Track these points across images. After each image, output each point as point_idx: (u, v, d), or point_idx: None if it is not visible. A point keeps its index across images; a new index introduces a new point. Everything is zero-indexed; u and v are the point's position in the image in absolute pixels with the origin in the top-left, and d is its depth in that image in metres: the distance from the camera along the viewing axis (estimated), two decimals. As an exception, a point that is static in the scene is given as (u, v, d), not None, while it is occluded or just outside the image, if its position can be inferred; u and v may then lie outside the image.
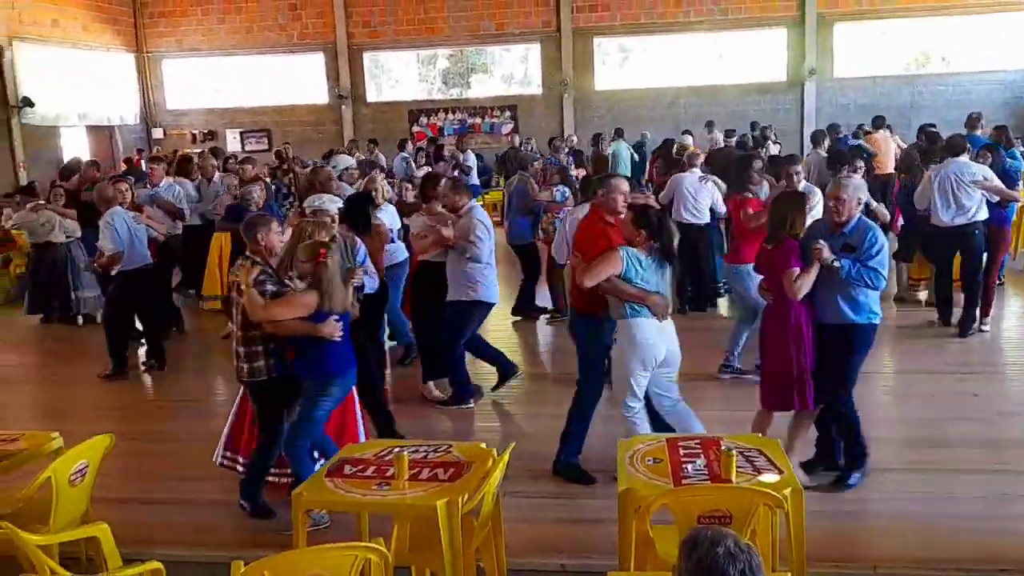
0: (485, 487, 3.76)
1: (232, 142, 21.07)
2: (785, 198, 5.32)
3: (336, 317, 4.66)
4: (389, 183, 9.67)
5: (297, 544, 3.60)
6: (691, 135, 15.04)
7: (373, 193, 7.58)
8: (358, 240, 5.95)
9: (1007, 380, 7.27)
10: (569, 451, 5.33)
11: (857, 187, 4.96)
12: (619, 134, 16.66)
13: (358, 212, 6.38)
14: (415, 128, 20.98)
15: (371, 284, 5.79)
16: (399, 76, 22.21)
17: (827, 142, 11.75)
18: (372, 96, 21.46)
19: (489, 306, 6.70)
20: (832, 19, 19.56)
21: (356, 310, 5.03)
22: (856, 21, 19.71)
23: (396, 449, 3.97)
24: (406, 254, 7.60)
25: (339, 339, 4.68)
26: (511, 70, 22.00)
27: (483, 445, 4.20)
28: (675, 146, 13.01)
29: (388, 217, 7.53)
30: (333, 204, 6.25)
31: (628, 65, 21.65)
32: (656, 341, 4.92)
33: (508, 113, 20.94)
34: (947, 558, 4.29)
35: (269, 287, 4.72)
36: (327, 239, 4.90)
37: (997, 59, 19.54)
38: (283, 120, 21.30)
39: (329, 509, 4.00)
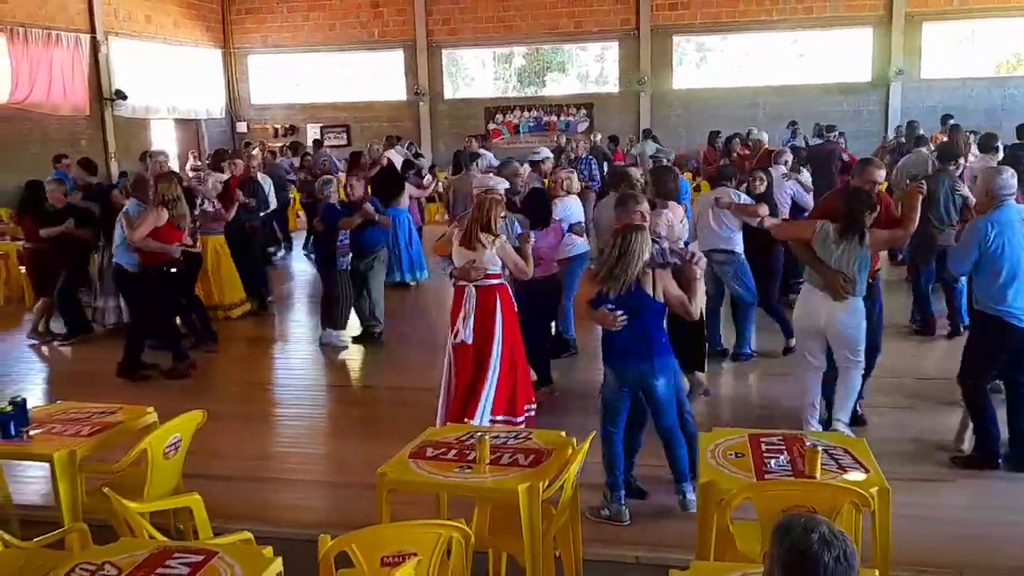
0: (565, 475, 3.80)
1: (312, 136, 21.51)
2: None
3: (611, 305, 4.62)
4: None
5: (381, 520, 3.68)
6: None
7: (554, 186, 7.81)
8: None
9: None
10: None
11: None
12: (646, 134, 16.57)
13: (535, 207, 6.79)
14: (491, 125, 21.11)
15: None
16: (475, 73, 22.38)
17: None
18: (448, 93, 21.68)
19: None
20: (920, 18, 19.02)
21: None
22: (946, 21, 19.14)
23: (478, 434, 4.03)
24: (587, 247, 7.62)
25: (616, 328, 4.62)
26: (587, 68, 21.96)
27: (563, 434, 4.23)
28: (746, 141, 12.84)
29: (565, 210, 7.47)
30: (501, 185, 6.40)
31: (706, 64, 21.42)
32: (811, 309, 5.43)
33: (584, 111, 20.91)
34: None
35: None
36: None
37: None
38: (362, 116, 21.67)
39: (412, 491, 4.05)
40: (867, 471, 3.64)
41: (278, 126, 22.09)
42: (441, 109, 21.45)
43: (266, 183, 11.46)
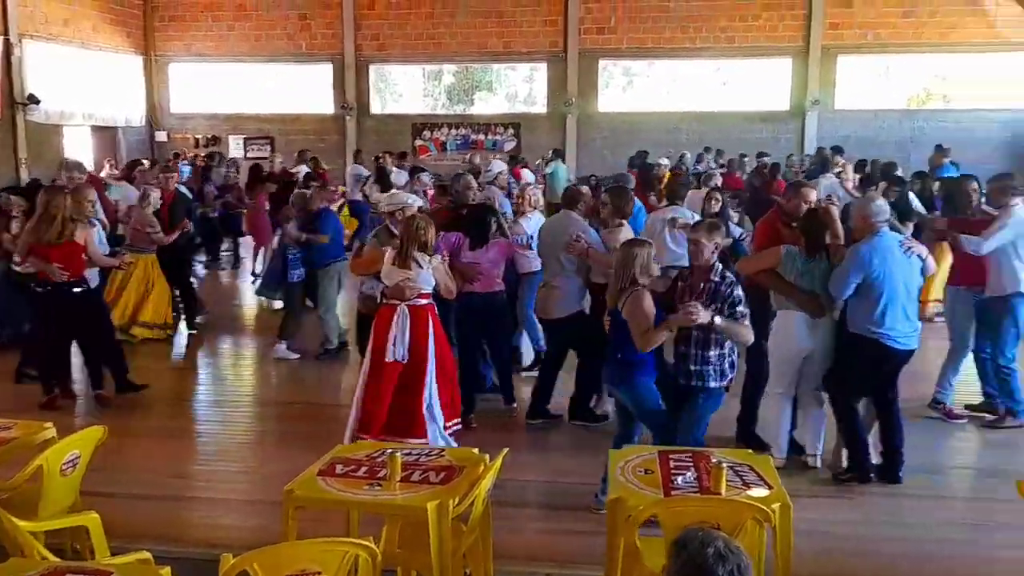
0: (475, 492, 3.78)
1: (235, 148, 21.16)
2: None
3: None
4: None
5: (287, 539, 3.60)
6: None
7: (521, 200, 7.97)
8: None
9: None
10: None
11: None
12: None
13: (474, 221, 6.72)
14: (418, 142, 21.09)
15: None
16: (404, 90, 22.35)
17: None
18: (376, 108, 21.58)
19: None
20: (836, 51, 19.73)
21: None
22: (860, 54, 19.89)
23: (389, 450, 3.99)
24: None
25: None
26: (516, 88, 22.16)
27: (476, 451, 4.22)
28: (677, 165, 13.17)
29: (532, 225, 7.48)
30: (414, 202, 6.49)
31: (632, 88, 21.84)
32: (792, 334, 5.43)
33: (511, 131, 21.06)
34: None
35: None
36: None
37: (998, 98, 19.70)
38: (287, 128, 21.38)
39: (320, 508, 3.98)
40: (770, 487, 3.72)
41: (199, 136, 21.64)
42: (368, 124, 21.33)
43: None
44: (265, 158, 18.14)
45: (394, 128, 21.25)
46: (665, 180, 10.88)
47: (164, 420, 7.03)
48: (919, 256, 5.30)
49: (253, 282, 12.18)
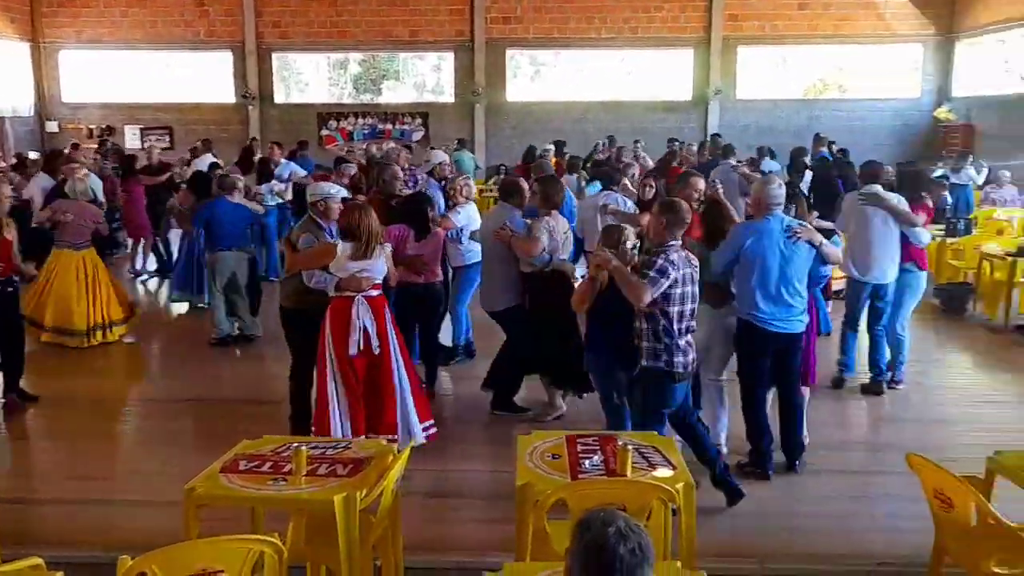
0: (384, 483, 3.75)
1: (132, 138, 20.38)
2: None
3: None
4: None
5: (188, 538, 3.50)
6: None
7: (453, 192, 7.85)
8: None
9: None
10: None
11: None
12: (462, 144, 17.10)
13: (416, 212, 6.64)
14: (324, 132, 20.72)
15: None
16: (309, 79, 21.91)
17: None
18: (280, 97, 21.11)
19: None
20: (736, 42, 20.22)
21: None
22: (758, 45, 20.43)
23: (294, 445, 3.92)
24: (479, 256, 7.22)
25: None
26: (423, 77, 21.99)
27: (384, 441, 4.19)
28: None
29: (464, 217, 7.40)
30: (338, 192, 6.30)
31: (540, 78, 21.95)
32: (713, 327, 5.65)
33: (419, 120, 20.89)
34: (829, 554, 4.49)
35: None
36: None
37: (889, 88, 20.56)
38: (186, 118, 20.70)
39: (223, 505, 3.88)
40: (674, 468, 3.80)
41: (93, 126, 20.74)
42: (272, 113, 20.83)
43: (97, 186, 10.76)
44: (167, 148, 17.65)
45: (299, 118, 20.81)
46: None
47: (60, 422, 6.74)
48: (809, 243, 5.27)
49: (132, 278, 11.86)
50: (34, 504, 5.19)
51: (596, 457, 3.87)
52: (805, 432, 5.66)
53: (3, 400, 6.87)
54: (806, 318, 5.41)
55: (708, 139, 16.04)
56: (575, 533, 2.20)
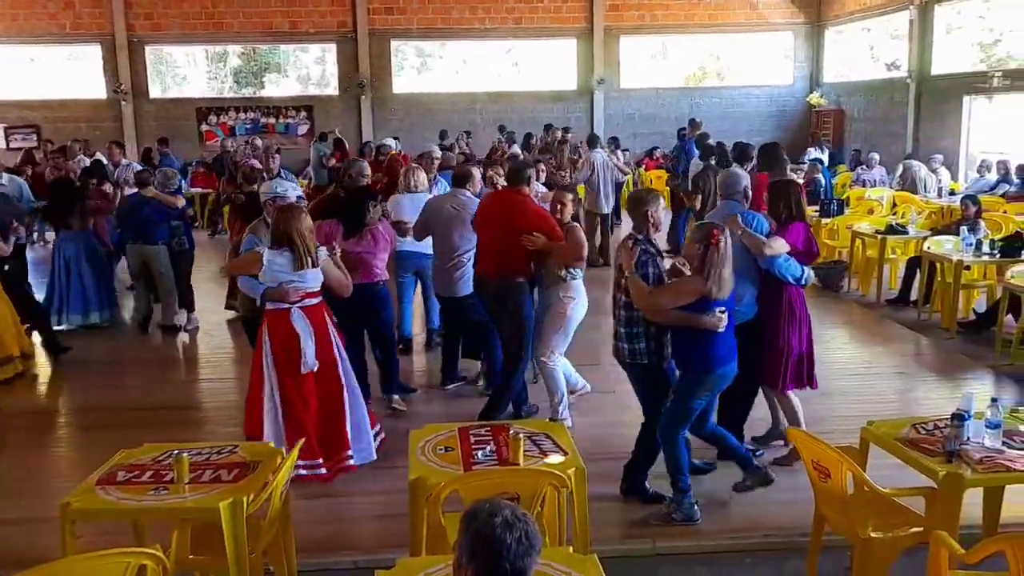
0: (271, 486, 3.65)
1: (-5, 138, 19.27)
2: None
3: (721, 307, 4.40)
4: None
5: (65, 555, 3.33)
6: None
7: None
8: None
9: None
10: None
11: None
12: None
13: (347, 208, 6.23)
14: (203, 127, 20.05)
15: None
16: (187, 72, 21.15)
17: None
18: (156, 92, 20.30)
19: None
20: (618, 32, 20.57)
21: None
22: (640, 35, 20.85)
23: (176, 452, 3.77)
24: (417, 247, 7.24)
25: (723, 330, 4.43)
26: (308, 70, 21.55)
27: (271, 444, 4.08)
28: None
29: (396, 207, 7.30)
30: (292, 192, 6.01)
31: (427, 69, 21.82)
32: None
33: (304, 114, 20.46)
34: (718, 529, 4.62)
35: (651, 270, 4.54)
36: None
37: (764, 75, 21.33)
38: (55, 116, 19.64)
39: (101, 519, 3.71)
40: (566, 454, 3.84)
41: (-49, 126, 19.52)
42: (147, 109, 20.00)
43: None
44: (34, 148, 16.71)
45: (176, 113, 20.07)
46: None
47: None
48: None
49: None
50: None
51: (488, 447, 3.87)
52: None
53: None
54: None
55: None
56: (462, 525, 2.20)
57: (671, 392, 4.60)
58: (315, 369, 5.11)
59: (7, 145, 18.61)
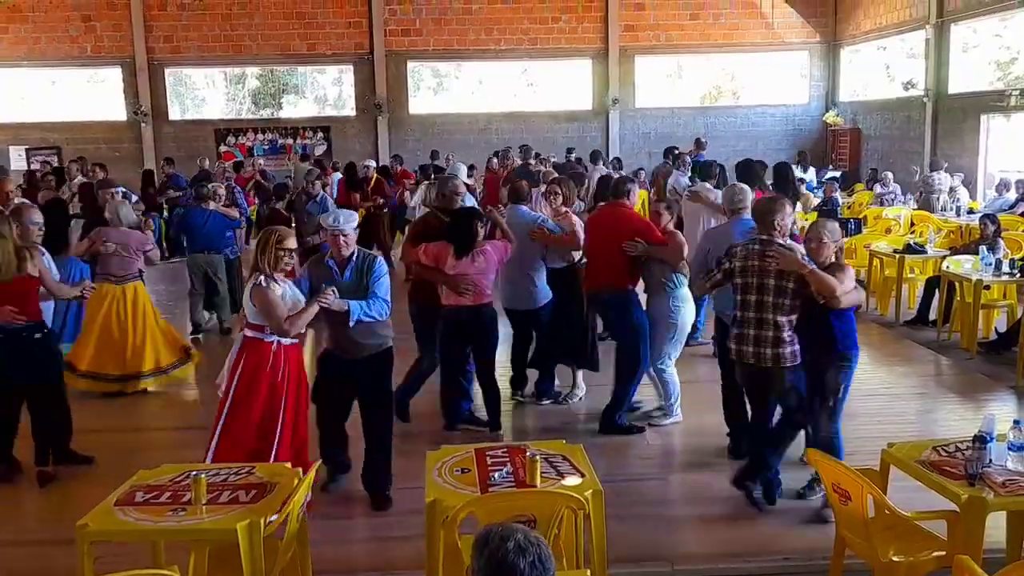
0: (289, 507, 3.65)
1: (17, 159, 19.48)
2: None
3: None
4: None
5: (81, 578, 3.35)
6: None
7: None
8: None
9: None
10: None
11: None
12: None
13: (457, 228, 6.06)
14: (222, 148, 20.24)
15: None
16: (205, 94, 21.39)
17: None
18: (175, 114, 20.54)
19: None
20: (633, 52, 20.65)
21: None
22: (655, 55, 20.92)
23: (193, 473, 3.78)
24: None
25: None
26: (325, 91, 21.74)
27: (288, 465, 4.09)
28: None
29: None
30: (350, 223, 5.21)
31: (443, 90, 21.98)
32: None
33: (321, 134, 20.63)
34: (737, 552, 4.58)
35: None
36: None
37: (779, 94, 21.34)
38: (76, 137, 19.90)
39: (120, 541, 3.72)
40: (583, 475, 3.82)
41: (-26, 148, 19.78)
42: (167, 131, 20.23)
43: None
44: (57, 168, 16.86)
45: (195, 134, 20.29)
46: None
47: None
48: None
49: None
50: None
51: (505, 469, 3.85)
52: None
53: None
54: None
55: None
56: (475, 550, 2.18)
57: (830, 390, 4.83)
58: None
59: (28, 166, 18.81)
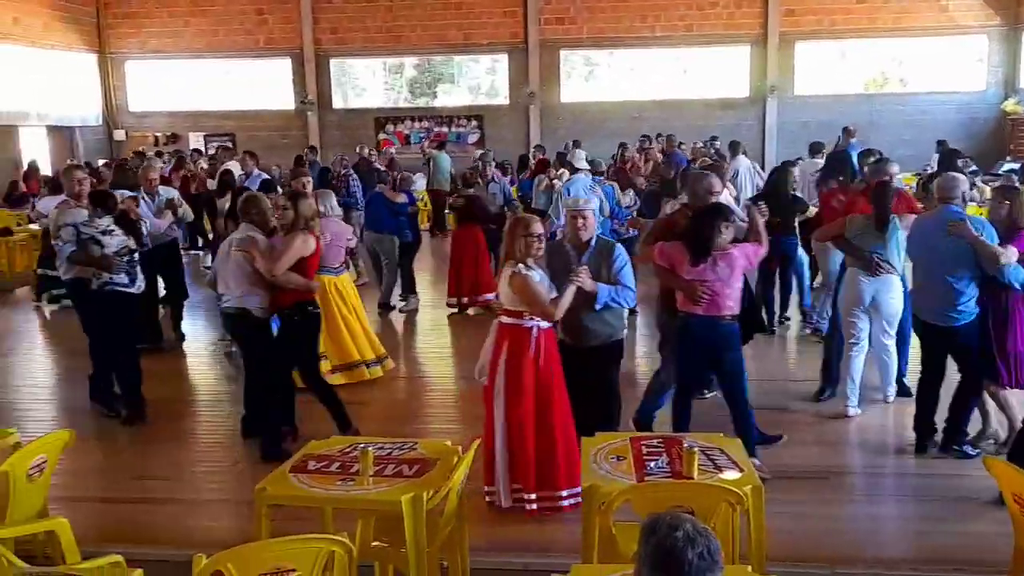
0: (450, 484, 3.78)
1: (196, 145, 20.90)
2: None
3: None
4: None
5: (260, 537, 3.58)
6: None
7: None
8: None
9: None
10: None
11: None
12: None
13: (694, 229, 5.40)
14: (381, 135, 20.98)
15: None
16: (366, 84, 22.21)
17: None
18: (338, 103, 21.43)
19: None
20: (794, 38, 19.93)
21: None
22: (817, 40, 20.11)
23: (361, 445, 3.97)
24: None
25: None
26: (478, 80, 22.12)
27: (448, 443, 4.22)
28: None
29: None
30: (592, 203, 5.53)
31: (594, 78, 21.91)
32: (858, 289, 6.13)
33: (475, 123, 21.03)
34: (902, 559, 4.39)
35: None
36: None
37: (952, 81, 20.07)
38: (248, 125, 21.16)
39: (293, 505, 3.96)
40: (742, 470, 3.76)
41: (159, 134, 21.34)
42: (330, 119, 21.17)
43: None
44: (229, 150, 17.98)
45: (356, 123, 21.13)
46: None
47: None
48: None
49: None
50: (103, 503, 5.32)
51: (661, 459, 3.85)
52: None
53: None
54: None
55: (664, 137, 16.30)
56: (642, 537, 2.17)
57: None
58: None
59: (205, 151, 20.13)
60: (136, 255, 6.71)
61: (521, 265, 4.78)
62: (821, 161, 11.22)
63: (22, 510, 4.04)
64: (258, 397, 6.07)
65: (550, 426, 4.84)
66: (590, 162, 10.60)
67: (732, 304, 5.22)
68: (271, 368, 5.95)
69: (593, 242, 5.16)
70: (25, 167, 17.57)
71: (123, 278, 6.53)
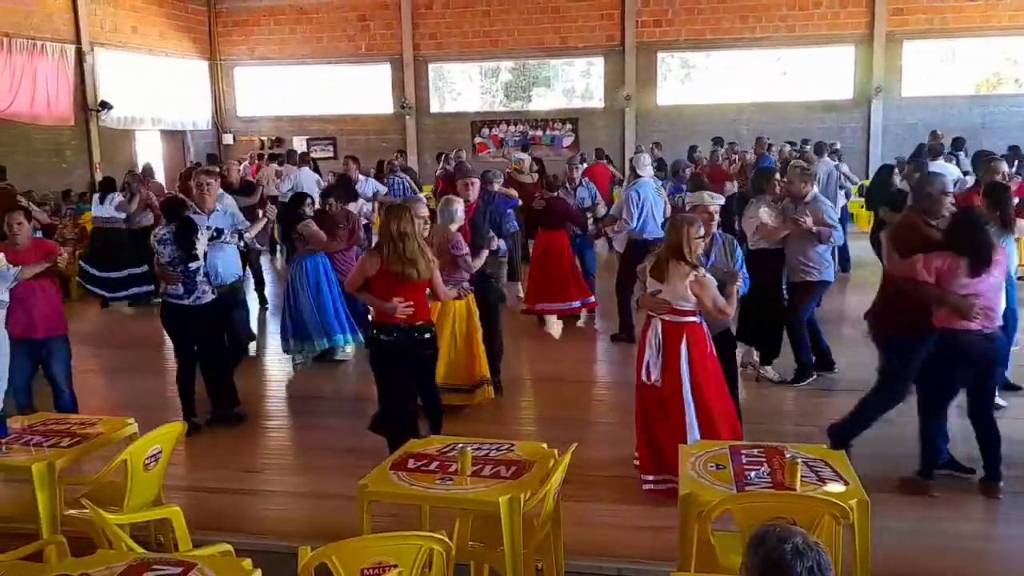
0: (546, 487, 3.80)
1: (299, 149, 21.48)
2: None
3: None
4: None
5: (362, 532, 3.67)
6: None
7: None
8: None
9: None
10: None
11: None
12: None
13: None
14: (477, 139, 21.19)
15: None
16: (462, 88, 22.46)
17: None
18: (435, 107, 21.75)
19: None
20: (902, 37, 19.24)
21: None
22: (926, 40, 19.36)
23: (459, 445, 4.04)
24: None
25: None
26: (573, 83, 22.10)
27: (544, 446, 4.24)
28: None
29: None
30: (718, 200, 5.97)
31: (690, 80, 21.60)
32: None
33: (569, 126, 21.02)
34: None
35: None
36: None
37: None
38: (349, 128, 21.69)
39: (393, 502, 4.05)
40: (847, 483, 3.66)
41: (264, 138, 22.07)
42: (427, 123, 21.50)
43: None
44: (331, 158, 18.52)
45: (452, 126, 21.39)
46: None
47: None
48: None
49: None
50: (210, 493, 5.53)
51: (763, 469, 3.78)
52: None
53: None
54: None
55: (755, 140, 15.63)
56: (749, 548, 2.15)
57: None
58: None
59: (309, 154, 20.66)
60: (193, 266, 6.35)
61: (701, 270, 5.06)
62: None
63: (138, 498, 4.25)
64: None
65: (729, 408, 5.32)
66: (662, 166, 10.67)
67: (995, 313, 4.90)
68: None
69: (718, 238, 5.62)
70: (140, 170, 18.36)
71: (178, 288, 6.37)
